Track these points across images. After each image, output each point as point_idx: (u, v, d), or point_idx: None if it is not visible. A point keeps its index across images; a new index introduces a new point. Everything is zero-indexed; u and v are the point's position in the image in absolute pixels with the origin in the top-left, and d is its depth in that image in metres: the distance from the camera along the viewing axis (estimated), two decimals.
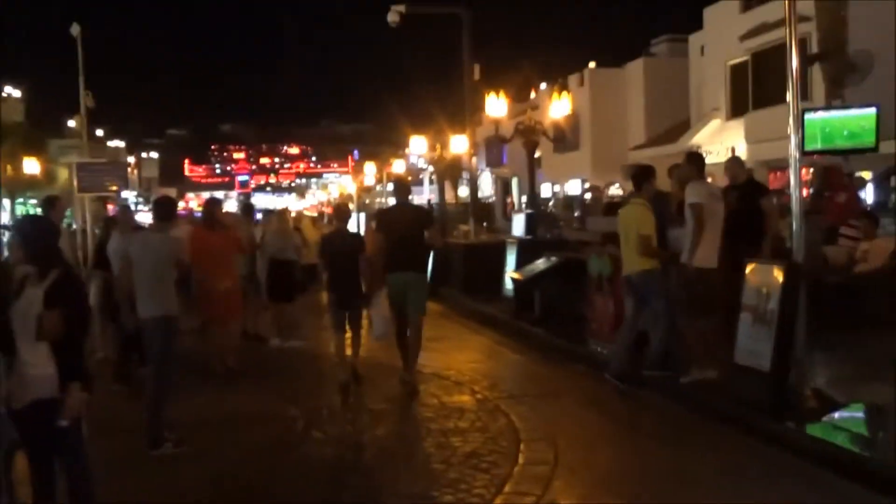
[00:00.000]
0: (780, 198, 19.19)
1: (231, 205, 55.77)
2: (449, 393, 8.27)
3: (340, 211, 9.60)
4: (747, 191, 8.70)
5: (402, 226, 8.45)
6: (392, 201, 9.75)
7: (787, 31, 6.60)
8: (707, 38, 29.98)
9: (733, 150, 25.76)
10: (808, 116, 14.03)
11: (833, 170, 13.59)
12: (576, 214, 29.04)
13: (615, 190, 35.56)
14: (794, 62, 6.54)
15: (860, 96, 16.15)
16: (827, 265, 10.31)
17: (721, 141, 27.98)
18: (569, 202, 35.22)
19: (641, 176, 8.17)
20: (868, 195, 17.01)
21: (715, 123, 29.08)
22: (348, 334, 8.87)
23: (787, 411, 6.29)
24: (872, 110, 14.37)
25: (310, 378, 9.29)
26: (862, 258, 10.12)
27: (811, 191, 13.21)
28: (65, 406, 4.08)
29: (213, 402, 8.13)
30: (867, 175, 17.85)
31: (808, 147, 13.33)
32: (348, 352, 8.89)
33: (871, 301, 9.56)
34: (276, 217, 11.91)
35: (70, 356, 4.15)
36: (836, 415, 6.29)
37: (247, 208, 14.01)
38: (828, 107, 16.06)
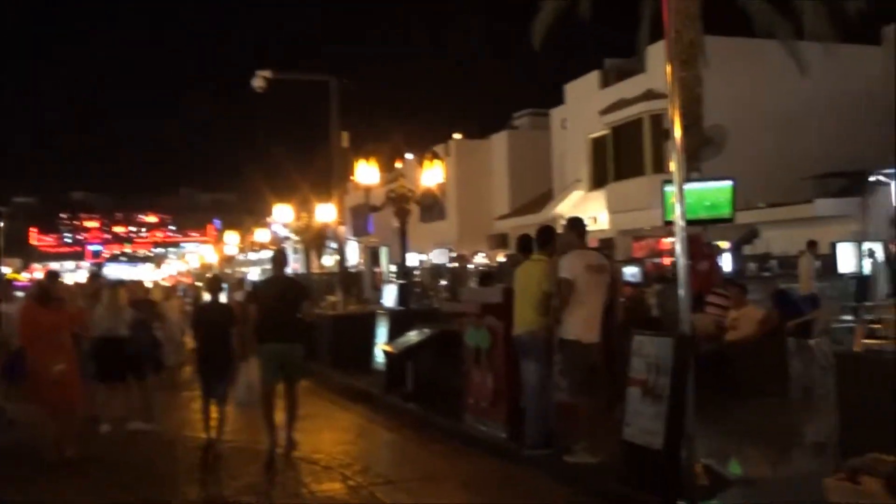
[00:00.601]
0: (644, 266, 19.71)
1: (82, 276, 52.75)
2: (318, 480, 7.54)
3: (213, 283, 9.68)
4: None
5: (278, 297, 8.46)
6: (257, 272, 9.51)
7: (670, 104, 6.65)
8: (568, 113, 30.92)
9: (595, 220, 26.42)
10: (668, 188, 14.37)
11: (695, 239, 13.90)
12: (442, 283, 28.82)
13: (481, 259, 35.74)
14: (678, 133, 6.53)
15: (713, 169, 16.80)
16: (694, 333, 10.33)
17: (583, 211, 28.65)
18: (436, 272, 35.06)
19: (545, 235, 8.06)
20: (726, 263, 17.58)
21: (577, 194, 29.83)
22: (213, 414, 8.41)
23: (679, 490, 5.99)
24: (729, 183, 14.91)
25: (160, 465, 8.34)
26: (732, 326, 10.20)
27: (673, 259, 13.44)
28: None
29: (48, 498, 7.15)
30: (724, 244, 18.52)
31: (669, 217, 13.60)
32: (212, 433, 8.48)
33: (743, 369, 9.63)
34: (109, 292, 10.77)
35: None
36: (727, 492, 6.08)
37: (94, 279, 12.93)
38: (687, 179, 16.59)
